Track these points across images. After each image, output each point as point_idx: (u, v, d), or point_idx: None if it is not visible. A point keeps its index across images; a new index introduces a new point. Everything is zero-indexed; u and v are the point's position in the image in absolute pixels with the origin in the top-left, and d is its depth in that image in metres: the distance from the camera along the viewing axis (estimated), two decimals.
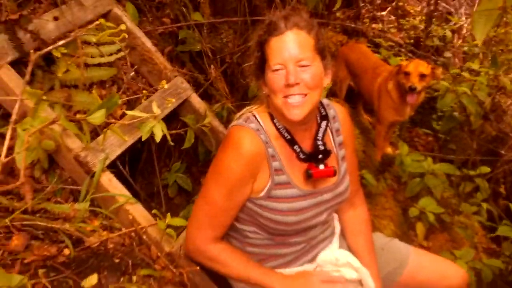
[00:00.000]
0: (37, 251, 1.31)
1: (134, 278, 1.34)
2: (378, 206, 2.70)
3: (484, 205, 3.01)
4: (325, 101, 1.63)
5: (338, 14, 4.39)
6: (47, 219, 1.39)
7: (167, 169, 2.21)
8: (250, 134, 1.43)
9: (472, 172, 3.09)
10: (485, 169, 3.07)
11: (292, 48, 1.37)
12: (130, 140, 1.66)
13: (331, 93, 3.39)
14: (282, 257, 1.59)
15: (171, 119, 2.09)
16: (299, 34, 1.39)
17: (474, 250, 2.39)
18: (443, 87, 2.90)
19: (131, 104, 1.95)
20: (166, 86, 1.74)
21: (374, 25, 4.86)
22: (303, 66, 1.38)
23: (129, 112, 1.52)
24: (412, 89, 2.67)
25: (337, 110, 1.63)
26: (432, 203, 2.63)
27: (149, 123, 1.51)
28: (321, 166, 1.49)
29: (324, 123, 1.55)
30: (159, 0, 2.39)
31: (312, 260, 1.64)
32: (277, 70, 1.38)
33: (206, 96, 2.42)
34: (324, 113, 1.58)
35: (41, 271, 1.27)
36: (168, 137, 1.58)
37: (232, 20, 2.68)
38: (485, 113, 3.46)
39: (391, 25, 4.92)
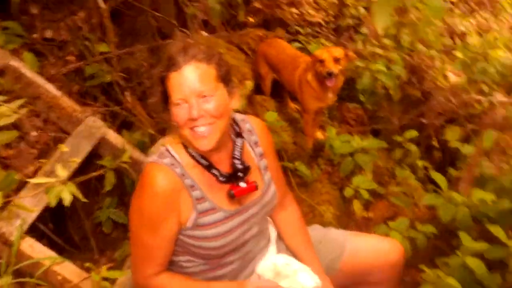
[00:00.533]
0: None
1: None
2: (315, 192, 2.79)
3: (419, 163, 3.15)
4: (240, 116, 1.65)
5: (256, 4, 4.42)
6: None
7: (99, 206, 2.22)
8: (164, 171, 1.45)
9: (399, 138, 3.20)
10: (412, 133, 3.19)
11: (192, 82, 1.38)
12: (43, 201, 1.66)
13: (258, 88, 3.44)
14: (221, 278, 1.62)
15: (92, 158, 2.09)
16: (198, 67, 1.40)
17: (408, 220, 2.49)
18: (359, 67, 2.99)
19: (43, 155, 1.94)
20: (65, 149, 1.72)
21: (292, 9, 4.91)
22: (205, 96, 1.39)
23: (32, 180, 1.51)
24: (330, 74, 2.76)
25: (253, 123, 1.66)
26: (365, 180, 2.73)
27: (55, 188, 1.50)
28: (242, 184, 1.52)
29: (239, 141, 1.57)
30: (60, 39, 2.37)
31: (251, 273, 1.68)
32: (179, 104, 1.39)
33: (127, 125, 2.43)
34: (238, 130, 1.60)
35: None
36: (80, 196, 1.58)
37: (139, 46, 2.67)
38: (407, 79, 3.59)
39: (308, 6, 4.98)
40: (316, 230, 1.88)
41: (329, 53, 2.80)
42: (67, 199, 1.50)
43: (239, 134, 1.59)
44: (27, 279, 1.56)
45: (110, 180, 1.92)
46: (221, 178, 1.50)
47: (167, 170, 1.45)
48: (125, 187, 2.23)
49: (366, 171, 2.76)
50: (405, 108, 3.76)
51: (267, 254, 1.73)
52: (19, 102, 1.83)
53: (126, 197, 2.32)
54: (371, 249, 1.79)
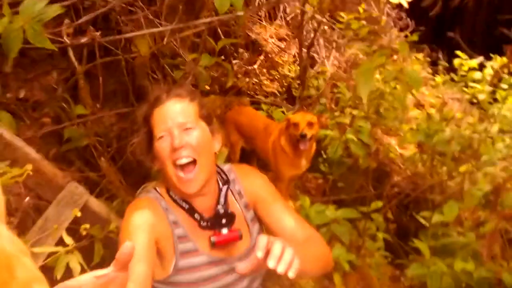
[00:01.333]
0: None
1: None
2: None
3: (380, 235, 3.18)
4: (226, 166, 1.63)
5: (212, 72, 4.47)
6: None
7: None
8: (148, 201, 1.44)
9: (365, 209, 3.24)
10: (377, 204, 3.24)
11: (174, 114, 1.41)
12: None
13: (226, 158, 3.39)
14: None
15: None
16: (181, 101, 1.44)
17: None
18: (329, 136, 3.05)
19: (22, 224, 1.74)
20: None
21: (247, 79, 5.02)
22: (187, 129, 1.40)
23: (37, 250, 1.33)
24: (303, 136, 2.80)
25: (237, 172, 1.62)
26: (343, 252, 2.70)
27: (62, 257, 1.33)
28: (224, 231, 1.45)
29: (225, 188, 1.53)
30: (34, 99, 2.21)
31: None
32: (162, 137, 1.40)
33: (104, 193, 2.26)
34: (226, 178, 1.57)
35: None
36: (85, 266, 1.41)
37: (117, 109, 2.56)
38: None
39: (263, 77, 5.11)
40: None
41: (303, 117, 2.87)
42: (76, 269, 1.34)
43: (226, 182, 1.56)
44: None
45: (99, 251, 1.75)
46: (202, 223, 1.46)
47: (152, 201, 1.44)
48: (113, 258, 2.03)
49: (344, 241, 2.74)
50: (365, 179, 3.85)
51: None
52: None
53: None
54: None
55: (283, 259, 1.11)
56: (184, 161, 1.39)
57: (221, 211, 1.48)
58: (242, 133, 3.30)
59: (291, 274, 1.11)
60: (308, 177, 4.04)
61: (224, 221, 1.47)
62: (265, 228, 1.62)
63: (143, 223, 1.37)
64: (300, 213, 2.91)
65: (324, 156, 3.94)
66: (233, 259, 1.48)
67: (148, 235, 1.35)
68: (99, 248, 1.76)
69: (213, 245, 1.44)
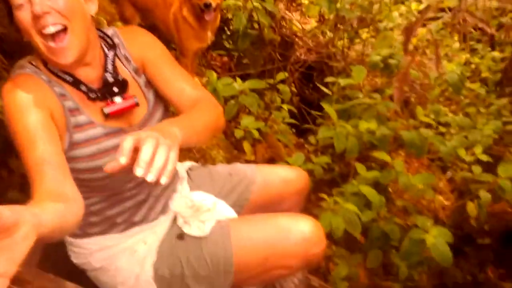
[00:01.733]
0: None
1: None
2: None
3: (285, 106, 3.27)
4: (110, 30, 1.48)
5: None
6: None
7: None
8: (27, 77, 1.27)
9: (271, 81, 3.26)
10: (281, 76, 3.26)
11: None
12: None
13: None
14: (130, 215, 1.50)
15: None
16: None
17: (303, 155, 2.58)
18: (234, 6, 2.91)
19: None
20: None
21: None
22: None
23: None
24: (208, 5, 2.61)
25: (123, 35, 1.48)
26: (251, 121, 2.72)
27: None
28: (118, 99, 1.36)
29: (111, 53, 1.40)
30: None
31: (164, 211, 1.59)
32: (21, 5, 1.20)
33: None
34: (111, 43, 1.43)
35: None
36: None
37: None
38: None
39: None
40: (222, 166, 1.90)
41: None
42: None
43: (112, 46, 1.43)
44: None
45: None
46: (91, 95, 1.34)
47: (30, 76, 1.28)
48: None
49: (253, 111, 2.75)
50: (270, 53, 3.83)
51: (180, 191, 1.65)
52: None
53: None
54: (280, 179, 1.82)
55: (153, 166, 1.00)
56: (51, 29, 1.21)
57: (110, 79, 1.36)
58: (137, 6, 3.02)
59: (163, 180, 1.01)
60: (212, 55, 3.93)
61: (115, 89, 1.36)
62: (155, 91, 1.52)
63: (30, 100, 1.21)
64: (207, 88, 2.85)
65: (228, 32, 3.81)
66: (132, 128, 1.40)
67: (40, 111, 1.21)
68: None
69: (107, 116, 1.34)
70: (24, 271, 1.17)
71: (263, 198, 1.80)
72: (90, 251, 1.49)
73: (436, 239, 2.10)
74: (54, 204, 1.00)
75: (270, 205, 1.80)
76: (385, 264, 3.33)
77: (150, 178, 1.00)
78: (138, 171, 0.99)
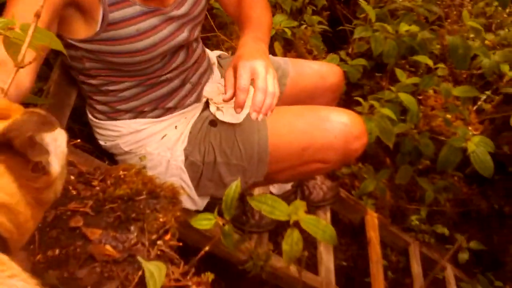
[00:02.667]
0: None
1: None
2: (234, 33, 2.54)
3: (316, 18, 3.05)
4: None
5: None
6: None
7: None
8: None
9: None
10: None
11: None
12: None
13: None
14: (162, 101, 1.41)
15: None
16: None
17: (337, 55, 2.43)
18: None
19: None
20: None
21: None
22: None
23: None
24: None
25: None
26: (284, 19, 2.55)
27: None
28: None
29: None
30: None
31: (198, 99, 1.50)
32: None
33: None
34: None
35: None
36: None
37: None
38: None
39: None
40: None
41: None
42: None
43: None
44: None
45: None
46: None
47: None
48: None
49: (285, 8, 2.57)
50: None
51: (212, 76, 1.57)
52: None
53: None
54: (314, 72, 1.74)
55: (264, 105, 1.12)
56: None
57: None
58: None
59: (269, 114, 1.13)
60: None
61: None
62: None
63: None
64: None
65: None
66: (169, 8, 1.28)
67: None
68: None
69: None
70: None
71: (296, 92, 1.71)
72: (119, 134, 1.42)
73: (478, 147, 1.99)
74: None
75: (302, 100, 1.70)
76: (408, 190, 3.27)
77: (261, 118, 1.12)
78: (253, 116, 1.12)
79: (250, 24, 1.39)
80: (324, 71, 1.75)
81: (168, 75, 1.38)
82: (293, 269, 1.79)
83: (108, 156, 1.47)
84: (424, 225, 3.04)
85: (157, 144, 1.42)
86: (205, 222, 0.93)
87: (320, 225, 0.90)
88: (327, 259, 2.02)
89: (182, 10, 1.31)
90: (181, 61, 1.39)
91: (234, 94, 1.16)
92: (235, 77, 1.18)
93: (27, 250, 0.76)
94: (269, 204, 0.91)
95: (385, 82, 3.14)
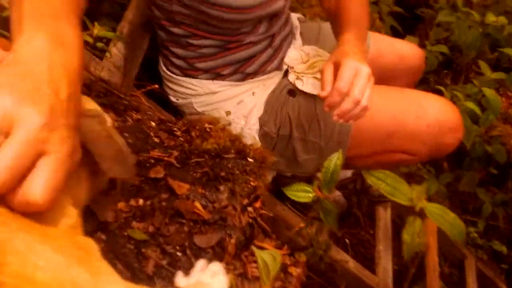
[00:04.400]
0: None
1: None
2: (305, 4, 2.39)
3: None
4: None
5: None
6: None
7: None
8: None
9: None
10: None
11: None
12: None
13: None
14: (243, 64, 1.31)
15: None
16: None
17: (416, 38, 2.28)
18: None
19: None
20: None
21: None
22: None
23: None
24: None
25: None
26: None
27: None
28: None
29: None
30: None
31: (279, 67, 1.39)
32: None
33: None
34: None
35: None
36: None
37: None
38: None
39: None
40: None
41: None
42: None
43: None
44: None
45: None
46: None
47: None
48: None
49: None
50: None
51: (294, 42, 1.46)
52: None
53: None
54: (395, 52, 1.60)
55: (350, 114, 1.08)
56: None
57: None
58: None
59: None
60: None
61: None
62: None
63: None
64: None
65: None
66: None
67: None
68: None
69: None
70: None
71: (374, 69, 1.56)
72: (193, 93, 1.32)
73: None
74: None
75: (379, 81, 1.57)
76: (462, 199, 3.08)
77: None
78: (334, 118, 1.08)
79: (351, 19, 1.27)
80: (405, 51, 1.61)
81: (252, 39, 1.28)
82: (352, 264, 1.67)
83: (175, 112, 1.37)
84: (481, 239, 2.87)
85: (233, 109, 1.32)
86: (302, 194, 0.81)
87: (449, 216, 0.78)
88: (385, 260, 1.88)
89: None
90: (267, 27, 1.29)
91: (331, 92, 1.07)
92: (336, 74, 1.08)
93: (109, 195, 0.66)
94: (389, 183, 0.79)
95: (449, 79, 2.97)
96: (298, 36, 1.50)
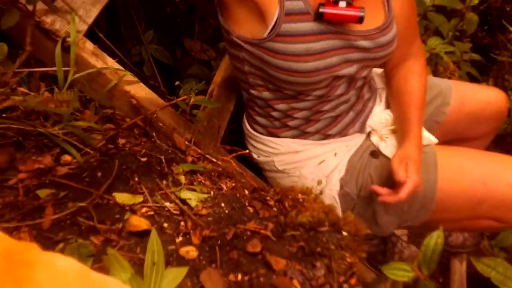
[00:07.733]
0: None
1: (182, 178, 0.92)
2: None
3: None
4: None
5: None
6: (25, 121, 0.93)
7: (134, 42, 1.74)
8: None
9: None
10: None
11: None
12: None
13: None
14: (325, 125, 1.33)
15: None
16: None
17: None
18: None
19: None
20: None
21: None
22: None
23: None
24: None
25: None
26: (439, 42, 2.39)
27: None
28: (342, 3, 1.09)
29: None
30: None
31: (361, 129, 1.40)
32: None
33: None
34: None
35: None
36: None
37: None
38: None
39: None
40: None
41: None
42: None
43: None
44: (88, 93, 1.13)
45: None
46: None
47: None
48: (168, 19, 1.75)
49: (442, 30, 2.42)
50: None
51: (377, 105, 1.44)
52: None
53: (165, 36, 1.84)
54: (479, 98, 1.55)
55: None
56: None
57: None
58: None
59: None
60: None
61: None
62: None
63: None
64: None
65: None
66: (349, 34, 1.16)
67: None
68: None
69: (320, 16, 1.10)
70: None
71: (456, 118, 1.55)
72: (276, 151, 1.35)
73: None
74: None
75: (461, 129, 1.57)
76: None
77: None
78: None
79: (414, 124, 1.30)
80: (490, 96, 1.57)
81: (334, 102, 1.29)
82: None
83: (254, 168, 1.40)
84: None
85: (314, 168, 1.34)
86: (401, 273, 0.81)
87: None
88: None
89: (364, 43, 1.19)
90: (346, 90, 1.29)
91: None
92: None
93: (211, 268, 0.68)
94: (500, 271, 0.77)
95: None
96: (383, 98, 1.48)
